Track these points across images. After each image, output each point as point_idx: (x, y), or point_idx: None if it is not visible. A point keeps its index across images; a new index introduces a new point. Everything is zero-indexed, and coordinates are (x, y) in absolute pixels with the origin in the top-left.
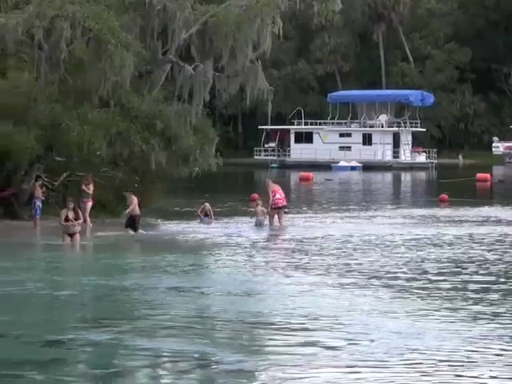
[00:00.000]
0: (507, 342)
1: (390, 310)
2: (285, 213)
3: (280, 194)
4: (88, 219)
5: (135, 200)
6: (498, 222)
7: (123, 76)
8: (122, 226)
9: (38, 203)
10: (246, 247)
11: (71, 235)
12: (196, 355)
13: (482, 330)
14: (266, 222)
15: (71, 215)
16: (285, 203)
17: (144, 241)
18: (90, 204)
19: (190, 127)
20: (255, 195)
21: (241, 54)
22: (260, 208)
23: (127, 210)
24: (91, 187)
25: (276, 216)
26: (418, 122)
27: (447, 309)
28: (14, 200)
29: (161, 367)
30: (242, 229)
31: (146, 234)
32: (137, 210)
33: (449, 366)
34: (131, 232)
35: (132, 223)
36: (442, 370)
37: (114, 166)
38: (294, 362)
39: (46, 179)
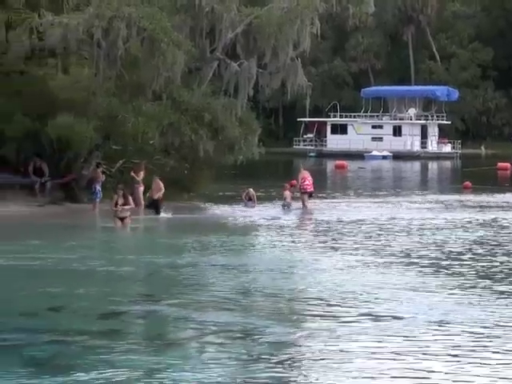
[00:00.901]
0: None
1: (421, 286)
2: (310, 197)
3: (309, 181)
4: (142, 203)
5: (161, 185)
6: None
7: (174, 72)
8: (173, 209)
9: (98, 188)
10: (285, 228)
11: (121, 219)
12: (240, 327)
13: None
14: (293, 205)
15: (121, 201)
16: (312, 189)
17: (192, 222)
18: (141, 189)
19: (235, 119)
20: (294, 181)
21: (282, 53)
22: (288, 192)
23: (153, 194)
24: (142, 174)
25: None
26: (444, 115)
27: (473, 286)
28: (75, 185)
29: (207, 337)
30: (281, 212)
31: (169, 218)
32: (160, 195)
33: (480, 338)
34: (155, 215)
35: (155, 206)
36: (474, 341)
37: (165, 154)
38: (332, 333)
39: (103, 166)
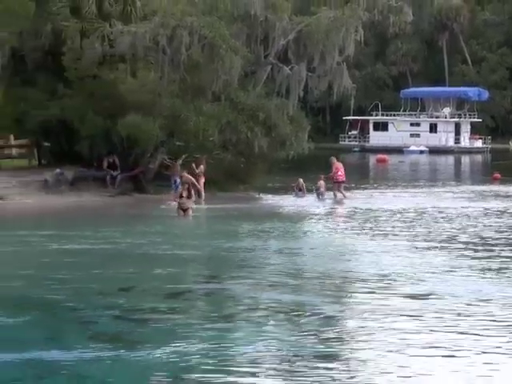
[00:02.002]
0: None
1: (458, 268)
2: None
3: (341, 172)
4: (203, 193)
5: (189, 178)
6: None
7: (232, 75)
8: (230, 199)
9: (178, 180)
10: (331, 216)
11: (184, 210)
12: (292, 304)
13: None
14: (326, 194)
15: (185, 194)
16: (344, 179)
17: (248, 211)
18: (202, 180)
19: (287, 118)
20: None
21: (329, 57)
22: (322, 182)
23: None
24: (202, 167)
25: (337, 188)
26: (476, 113)
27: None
28: (142, 177)
29: (262, 314)
30: (316, 200)
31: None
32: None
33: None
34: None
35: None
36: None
37: (224, 150)
38: (378, 311)
39: (168, 160)
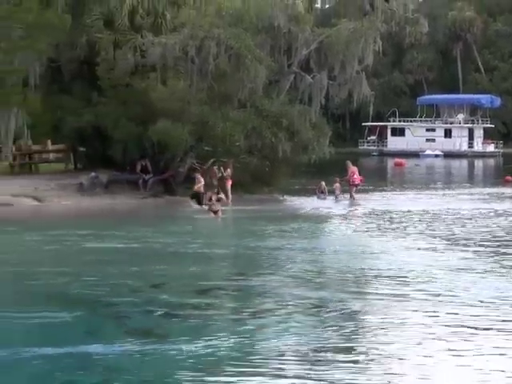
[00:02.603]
0: None
1: (474, 267)
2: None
3: (356, 174)
4: (230, 195)
5: (202, 180)
6: None
7: (257, 84)
8: (256, 201)
9: (215, 183)
10: (352, 217)
11: (214, 212)
12: (315, 300)
13: None
14: (341, 196)
15: (214, 197)
16: (359, 182)
17: (272, 212)
18: (229, 183)
19: (309, 124)
20: (360, 177)
21: (349, 67)
22: (338, 185)
23: (195, 187)
24: (229, 170)
25: (353, 190)
26: (488, 119)
27: None
28: (172, 180)
29: (287, 309)
30: (332, 203)
31: (170, 210)
32: (202, 188)
33: None
34: (196, 205)
35: (198, 198)
36: None
37: (249, 154)
38: (397, 307)
39: (196, 164)
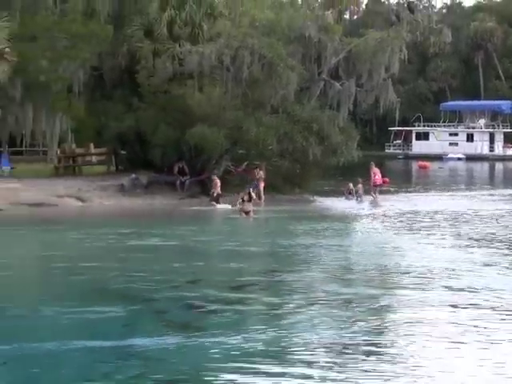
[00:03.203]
0: None
1: (496, 263)
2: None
3: (378, 176)
4: (262, 196)
5: (218, 183)
6: None
7: (289, 90)
8: (287, 202)
9: (258, 184)
10: (378, 216)
11: (246, 212)
12: (344, 295)
13: None
14: (365, 197)
15: (246, 198)
16: (381, 182)
17: (303, 212)
18: (262, 185)
19: (338, 128)
20: (386, 179)
21: (376, 74)
22: (361, 186)
23: (212, 190)
24: (262, 173)
25: (375, 190)
26: (508, 124)
27: None
28: (208, 182)
29: (317, 304)
30: (355, 203)
31: (205, 209)
32: (219, 190)
33: None
34: (216, 205)
35: (216, 199)
36: None
37: (281, 157)
38: (421, 303)
39: (231, 166)
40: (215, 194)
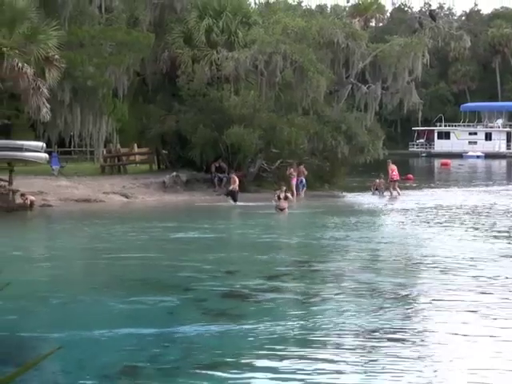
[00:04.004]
0: None
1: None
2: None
3: (395, 172)
4: (295, 193)
5: (236, 179)
6: None
7: (319, 93)
8: (318, 197)
9: (304, 180)
10: (404, 211)
11: (281, 209)
12: (371, 283)
13: None
14: (385, 193)
15: (282, 195)
16: (398, 178)
17: (332, 207)
18: (294, 181)
19: (365, 128)
20: (410, 176)
21: (400, 78)
22: (381, 181)
23: (231, 187)
24: (292, 171)
25: (393, 186)
26: None
27: None
28: (244, 179)
29: (345, 292)
30: (376, 198)
31: (241, 205)
32: (236, 187)
33: None
34: (232, 201)
35: (233, 195)
36: None
37: (312, 156)
38: (445, 291)
39: (265, 164)
40: (233, 190)
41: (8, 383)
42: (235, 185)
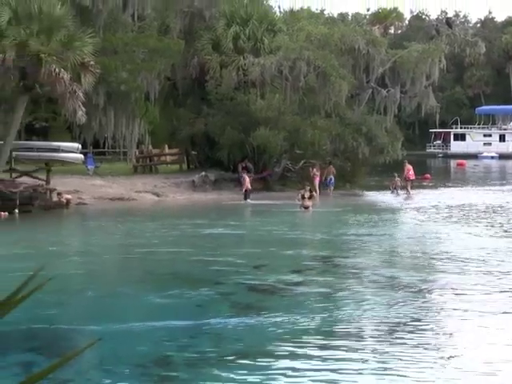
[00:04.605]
0: None
1: None
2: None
3: (411, 171)
4: (318, 191)
5: (247, 179)
6: None
7: (341, 97)
8: (339, 196)
9: (333, 179)
10: (421, 209)
11: (306, 207)
12: (389, 278)
13: None
14: (400, 191)
15: (306, 194)
16: (414, 178)
17: (353, 205)
18: (317, 180)
19: (384, 130)
20: (427, 175)
21: (418, 82)
22: (398, 179)
23: (244, 187)
24: (315, 171)
25: (409, 185)
26: None
27: None
28: (269, 178)
29: (364, 286)
30: (393, 196)
31: (253, 203)
32: (249, 186)
33: None
34: (243, 200)
35: (245, 194)
36: None
37: (334, 156)
38: (461, 286)
39: (290, 164)
40: (245, 190)
41: (51, 372)
42: (248, 184)
